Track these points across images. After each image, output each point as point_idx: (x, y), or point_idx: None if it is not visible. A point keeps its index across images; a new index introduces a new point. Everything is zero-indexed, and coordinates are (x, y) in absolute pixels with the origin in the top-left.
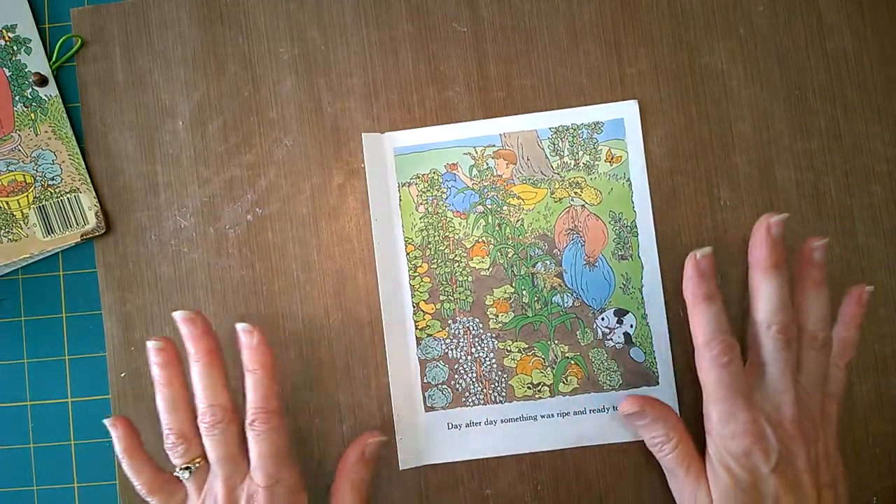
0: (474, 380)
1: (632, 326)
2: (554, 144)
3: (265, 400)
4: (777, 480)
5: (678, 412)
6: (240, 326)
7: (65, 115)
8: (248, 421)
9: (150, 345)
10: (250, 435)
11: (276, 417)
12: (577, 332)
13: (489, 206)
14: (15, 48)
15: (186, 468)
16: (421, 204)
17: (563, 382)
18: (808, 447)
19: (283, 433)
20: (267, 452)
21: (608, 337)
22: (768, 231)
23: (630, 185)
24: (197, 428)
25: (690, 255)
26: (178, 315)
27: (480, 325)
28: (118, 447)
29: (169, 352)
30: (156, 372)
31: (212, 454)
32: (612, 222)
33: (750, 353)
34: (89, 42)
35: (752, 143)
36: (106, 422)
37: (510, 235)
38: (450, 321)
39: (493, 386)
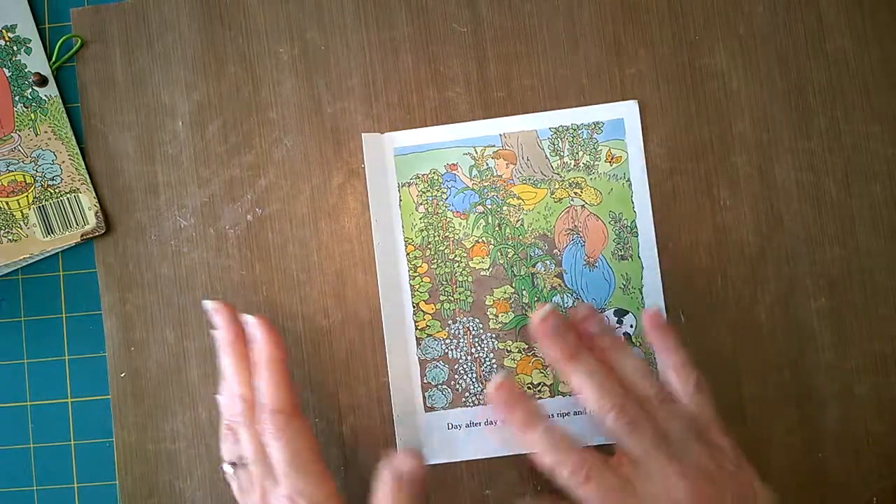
0: (474, 380)
1: (632, 326)
2: (554, 144)
3: (275, 399)
4: None
5: None
6: (248, 318)
7: (65, 116)
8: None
9: (209, 304)
10: (265, 442)
11: (293, 421)
12: None
13: (489, 207)
14: (15, 48)
15: (233, 464)
16: (421, 204)
17: (563, 382)
18: (725, 498)
19: (304, 439)
20: (286, 461)
21: None
22: (544, 332)
23: (630, 185)
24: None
25: (494, 387)
26: (251, 319)
27: (480, 326)
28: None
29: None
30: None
31: (245, 450)
32: (612, 222)
33: (615, 444)
34: (89, 42)
35: (752, 143)
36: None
37: (510, 235)
38: (450, 321)
39: None
